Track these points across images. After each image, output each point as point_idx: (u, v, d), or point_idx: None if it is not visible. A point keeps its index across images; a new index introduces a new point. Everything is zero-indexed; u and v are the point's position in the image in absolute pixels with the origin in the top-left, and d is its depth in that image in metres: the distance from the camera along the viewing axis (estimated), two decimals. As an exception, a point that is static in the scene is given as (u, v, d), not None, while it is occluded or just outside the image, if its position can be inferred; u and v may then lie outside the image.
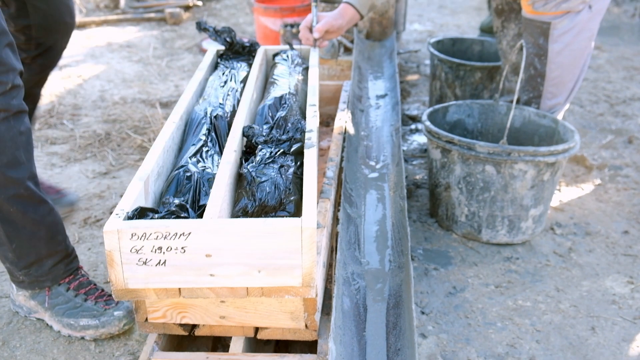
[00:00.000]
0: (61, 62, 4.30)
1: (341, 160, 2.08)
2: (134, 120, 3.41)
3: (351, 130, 2.36)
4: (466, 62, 3.06)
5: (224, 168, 1.50)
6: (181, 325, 1.47)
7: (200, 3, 5.65)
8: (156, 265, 1.27)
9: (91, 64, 4.33)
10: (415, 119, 3.40)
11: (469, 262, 2.15)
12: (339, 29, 2.39)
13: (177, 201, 1.35)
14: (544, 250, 2.24)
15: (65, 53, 2.26)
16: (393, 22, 3.56)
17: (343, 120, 2.27)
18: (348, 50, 3.34)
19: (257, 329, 1.47)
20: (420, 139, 3.14)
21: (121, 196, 2.30)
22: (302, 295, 1.31)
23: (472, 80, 3.08)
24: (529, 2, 2.25)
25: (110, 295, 1.84)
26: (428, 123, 2.24)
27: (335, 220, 1.84)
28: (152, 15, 5.24)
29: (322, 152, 2.25)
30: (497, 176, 2.10)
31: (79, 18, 5.07)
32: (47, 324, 1.85)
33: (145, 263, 1.27)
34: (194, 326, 1.49)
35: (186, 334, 1.49)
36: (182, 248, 1.26)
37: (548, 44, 2.26)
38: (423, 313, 1.90)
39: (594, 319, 1.91)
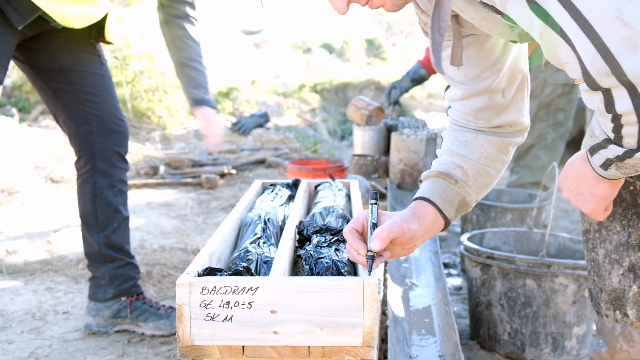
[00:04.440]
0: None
1: (385, 272, 2.14)
2: (173, 263, 3.52)
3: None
4: (497, 204, 3.20)
5: (283, 249, 1.58)
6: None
7: (234, 171, 5.96)
8: (223, 320, 1.32)
9: (131, 218, 4.50)
10: (447, 266, 3.47)
11: (514, 378, 2.13)
12: (412, 238, 1.45)
13: (244, 264, 1.42)
14: (590, 371, 2.21)
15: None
16: (423, 175, 3.75)
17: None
18: (382, 196, 3.49)
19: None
20: (452, 281, 3.19)
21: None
22: (362, 357, 1.33)
23: (503, 222, 3.19)
24: None
25: None
26: (467, 242, 2.32)
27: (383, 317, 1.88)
28: (189, 180, 5.53)
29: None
30: (538, 290, 2.14)
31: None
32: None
33: (212, 318, 1.32)
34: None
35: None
36: (249, 303, 1.31)
37: None
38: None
39: None
